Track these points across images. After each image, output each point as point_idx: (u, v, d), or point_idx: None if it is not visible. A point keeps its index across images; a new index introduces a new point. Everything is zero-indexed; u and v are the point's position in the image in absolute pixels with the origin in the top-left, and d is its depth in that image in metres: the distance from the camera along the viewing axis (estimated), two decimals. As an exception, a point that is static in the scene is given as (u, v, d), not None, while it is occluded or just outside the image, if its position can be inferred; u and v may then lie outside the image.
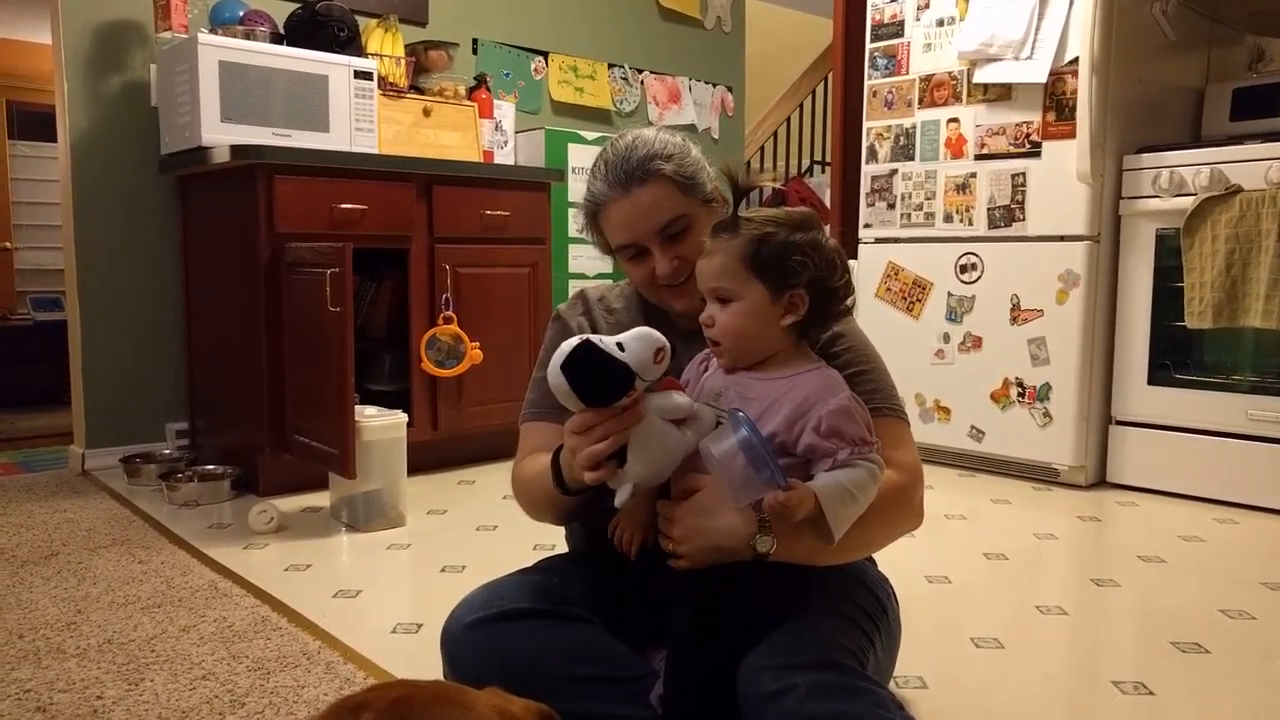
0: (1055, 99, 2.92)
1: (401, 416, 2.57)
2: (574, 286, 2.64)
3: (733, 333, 1.14)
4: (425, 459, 3.05)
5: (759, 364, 1.17)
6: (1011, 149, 3.03)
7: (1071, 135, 2.87)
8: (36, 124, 5.21)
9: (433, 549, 2.35)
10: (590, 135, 3.90)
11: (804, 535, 1.06)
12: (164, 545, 2.35)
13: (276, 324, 2.74)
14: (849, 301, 1.20)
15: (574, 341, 1.07)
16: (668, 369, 1.13)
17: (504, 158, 3.76)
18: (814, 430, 1.08)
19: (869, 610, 1.26)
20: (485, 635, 1.23)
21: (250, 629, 1.81)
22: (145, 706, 1.49)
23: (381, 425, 2.50)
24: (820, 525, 1.06)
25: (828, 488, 1.06)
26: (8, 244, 5.29)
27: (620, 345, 1.07)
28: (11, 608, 1.91)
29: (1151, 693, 1.57)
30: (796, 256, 1.13)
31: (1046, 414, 3.00)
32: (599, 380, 1.05)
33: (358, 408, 2.52)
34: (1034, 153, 2.98)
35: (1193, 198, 2.72)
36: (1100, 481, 3.02)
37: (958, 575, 2.16)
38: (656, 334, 1.10)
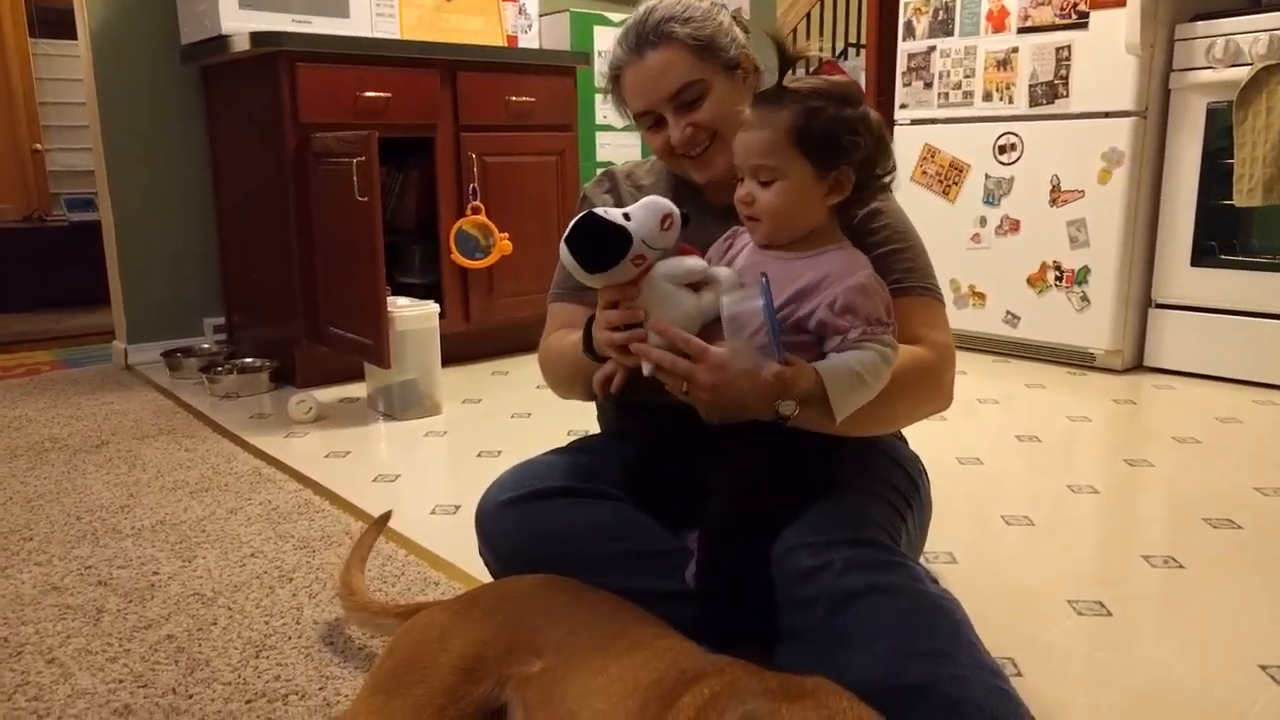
0: (1106, -35, 2.77)
1: (434, 306, 2.58)
2: (602, 173, 2.60)
3: (774, 213, 1.10)
4: (459, 351, 3.08)
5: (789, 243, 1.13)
6: (1057, 20, 2.89)
7: (1121, 3, 2.73)
8: (59, 21, 5.12)
9: (469, 436, 2.40)
10: (616, 17, 3.77)
11: (809, 409, 1.06)
12: (208, 434, 2.41)
13: (306, 216, 2.74)
14: (889, 179, 1.15)
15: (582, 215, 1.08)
16: (691, 239, 1.12)
17: (528, 42, 3.66)
18: (828, 306, 1.06)
19: (901, 488, 1.27)
20: (517, 514, 1.25)
21: (295, 511, 1.87)
22: (199, 580, 1.56)
23: (414, 315, 2.52)
24: (823, 405, 1.04)
25: (834, 369, 1.04)
26: (38, 145, 5.28)
27: (627, 215, 1.07)
28: (68, 492, 1.99)
29: (1182, 566, 1.58)
30: (848, 135, 1.08)
31: (1084, 298, 2.94)
32: (595, 245, 1.05)
33: (390, 299, 2.54)
34: (1081, 24, 2.84)
35: (1249, 68, 2.60)
36: (1137, 365, 2.98)
37: (990, 457, 2.17)
38: (664, 201, 1.09)
